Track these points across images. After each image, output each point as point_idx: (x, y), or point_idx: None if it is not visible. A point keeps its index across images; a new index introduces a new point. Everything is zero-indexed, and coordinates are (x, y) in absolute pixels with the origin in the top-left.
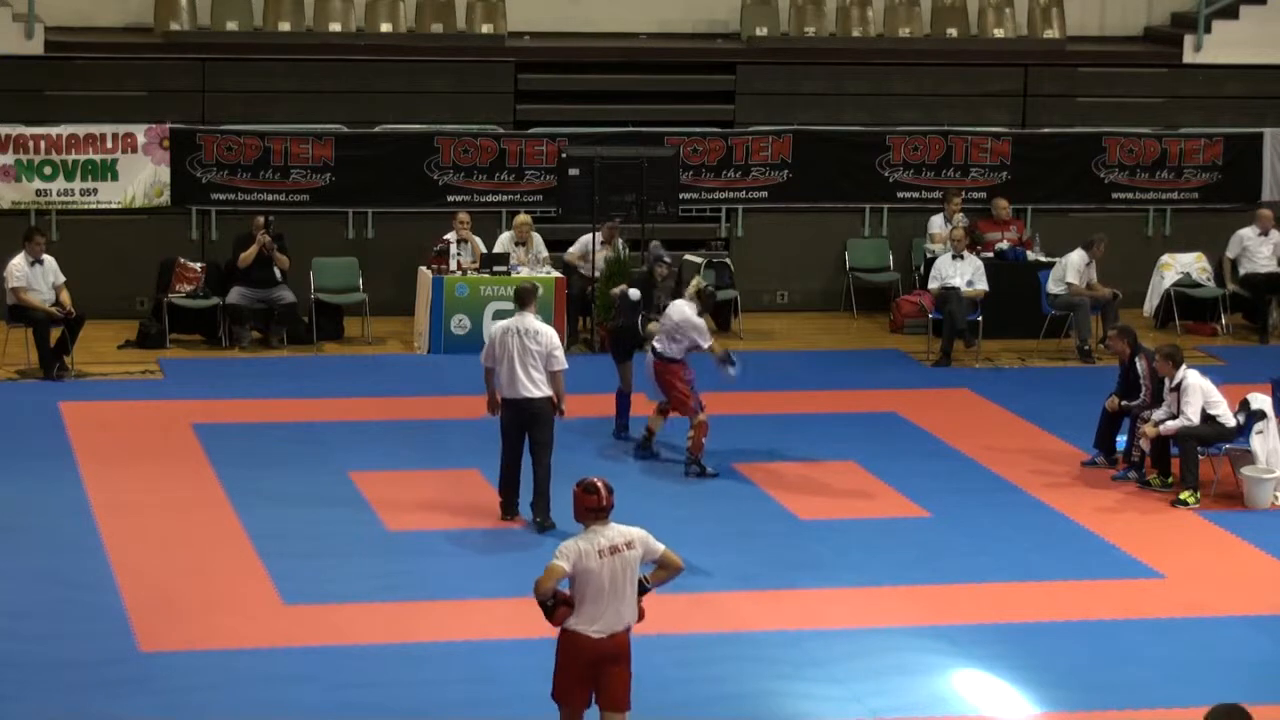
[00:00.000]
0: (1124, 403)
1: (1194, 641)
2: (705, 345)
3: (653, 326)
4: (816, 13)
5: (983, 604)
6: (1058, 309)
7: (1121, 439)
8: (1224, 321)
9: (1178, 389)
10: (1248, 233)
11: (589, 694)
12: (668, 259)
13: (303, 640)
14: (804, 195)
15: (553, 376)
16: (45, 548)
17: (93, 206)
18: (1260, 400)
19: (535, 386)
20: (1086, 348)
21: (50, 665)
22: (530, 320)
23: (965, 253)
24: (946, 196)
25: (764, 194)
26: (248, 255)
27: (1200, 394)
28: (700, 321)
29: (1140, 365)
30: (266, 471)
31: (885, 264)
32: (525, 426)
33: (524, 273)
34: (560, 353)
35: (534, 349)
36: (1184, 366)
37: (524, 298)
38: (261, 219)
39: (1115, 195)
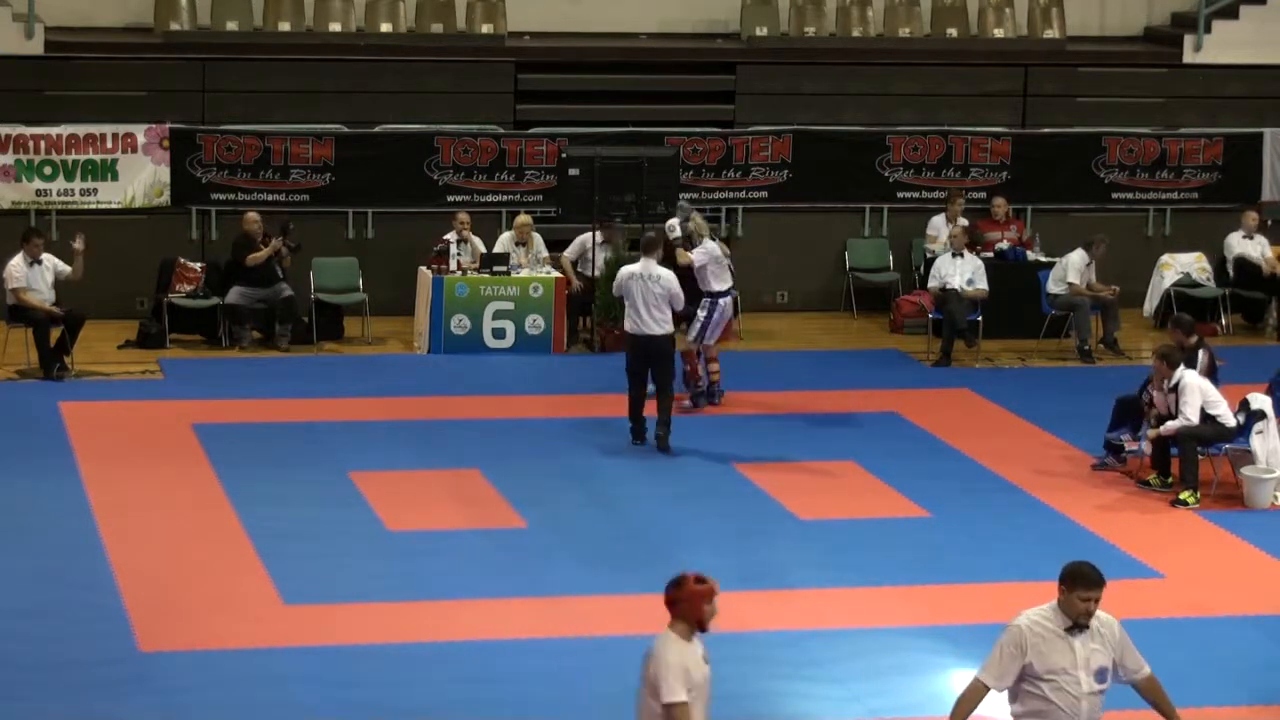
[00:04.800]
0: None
1: (1194, 641)
2: None
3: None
4: (816, 13)
5: (983, 604)
6: (1058, 309)
7: (1138, 447)
8: (1224, 321)
9: (1175, 389)
10: (1234, 237)
11: None
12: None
13: (303, 640)
14: (804, 195)
15: (675, 314)
16: (45, 548)
17: (93, 206)
18: (1260, 400)
19: (658, 325)
20: (1086, 348)
21: (50, 665)
22: (652, 266)
23: (965, 252)
24: (950, 197)
25: (764, 194)
26: (258, 256)
27: (1199, 394)
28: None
29: (1201, 357)
30: (266, 471)
31: (885, 264)
32: (648, 361)
33: (524, 273)
34: (681, 294)
35: (657, 291)
36: (1182, 366)
37: (648, 246)
38: (256, 218)
39: (1115, 195)
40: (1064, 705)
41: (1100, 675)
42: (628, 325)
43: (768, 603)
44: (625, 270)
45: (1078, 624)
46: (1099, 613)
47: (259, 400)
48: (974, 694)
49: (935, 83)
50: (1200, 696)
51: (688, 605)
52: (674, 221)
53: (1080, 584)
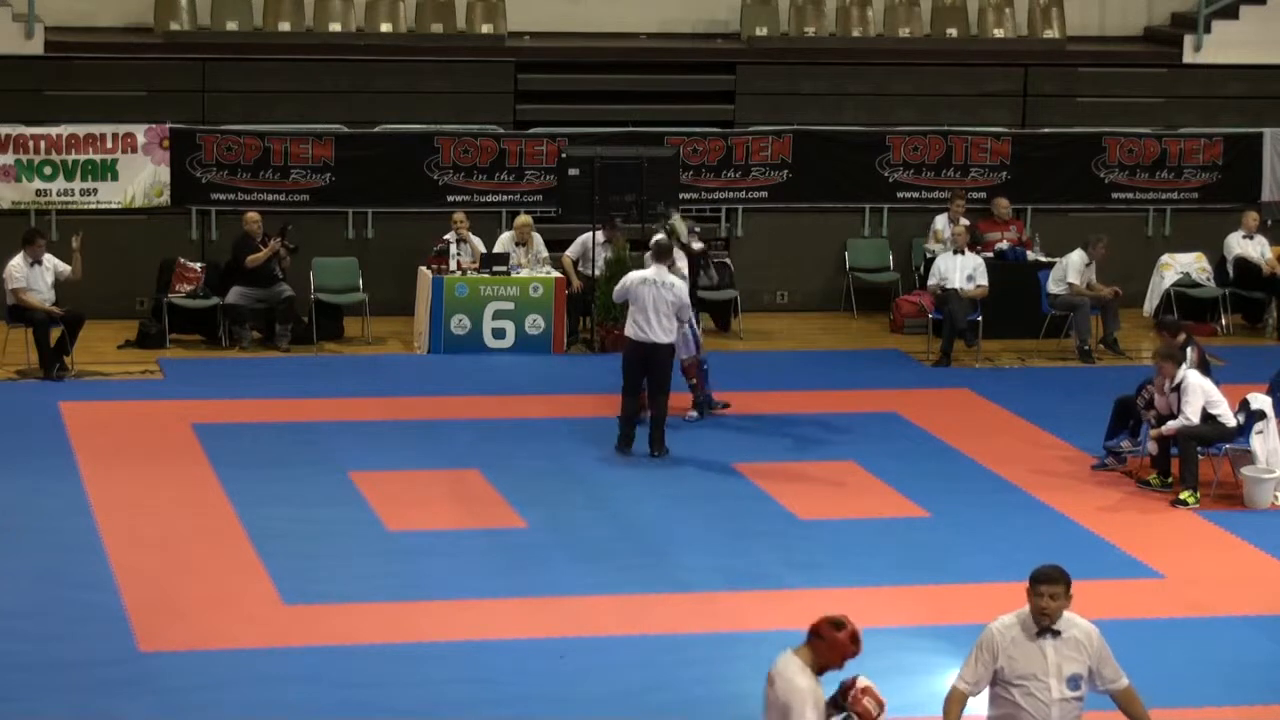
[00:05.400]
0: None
1: (1194, 641)
2: None
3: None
4: (816, 13)
5: (983, 604)
6: (1058, 309)
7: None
8: (1224, 321)
9: (1178, 389)
10: (1234, 237)
11: None
12: (698, 229)
13: (303, 640)
14: (804, 195)
15: (680, 324)
16: (45, 548)
17: (93, 206)
18: (1260, 400)
19: (664, 333)
20: (1086, 348)
21: (50, 665)
22: (664, 273)
23: (965, 250)
24: (952, 197)
25: (764, 194)
26: (258, 258)
27: (1201, 394)
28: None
29: (1191, 354)
30: (266, 471)
31: (885, 264)
32: (647, 367)
33: (524, 274)
34: (689, 304)
35: (669, 299)
36: (1184, 366)
37: (662, 252)
38: (257, 218)
39: (1115, 195)
40: (1033, 711)
41: (1073, 682)
42: (630, 332)
43: (768, 603)
44: (635, 275)
45: (1041, 625)
46: (1078, 620)
47: (259, 400)
48: (957, 699)
49: (935, 83)
50: (1200, 696)
51: (829, 650)
52: (677, 217)
53: (1037, 581)
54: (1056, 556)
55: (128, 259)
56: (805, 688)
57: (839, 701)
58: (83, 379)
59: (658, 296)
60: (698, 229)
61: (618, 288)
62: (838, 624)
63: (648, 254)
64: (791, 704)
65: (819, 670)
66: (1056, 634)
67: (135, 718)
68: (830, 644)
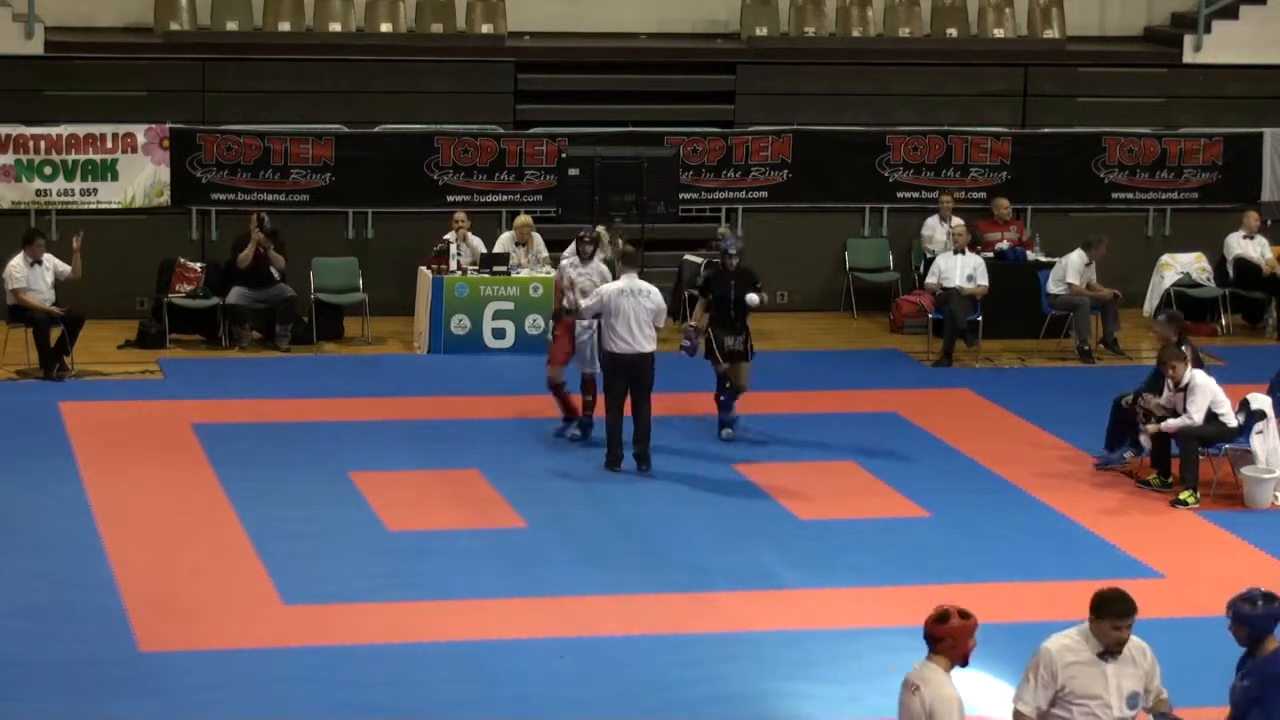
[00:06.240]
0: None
1: (1194, 641)
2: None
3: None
4: (816, 13)
5: (983, 604)
6: (1058, 309)
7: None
8: (1224, 321)
9: (1185, 388)
10: (1234, 237)
11: None
12: (733, 250)
13: (303, 640)
14: (804, 195)
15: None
16: (45, 548)
17: (93, 206)
18: (1260, 400)
19: (647, 341)
20: (1086, 348)
21: (50, 665)
22: (638, 281)
23: (965, 249)
24: (940, 194)
25: (764, 194)
26: (246, 255)
27: (1208, 395)
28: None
29: (1186, 354)
30: (266, 471)
31: (885, 264)
32: (632, 376)
33: (524, 274)
34: (665, 309)
35: (648, 306)
36: (1188, 365)
37: (632, 260)
38: (255, 216)
39: (1115, 195)
40: None
41: (1132, 700)
42: (613, 345)
43: (767, 603)
44: (610, 287)
45: (1109, 650)
46: (1133, 638)
47: (259, 400)
48: None
49: (935, 83)
50: (1200, 696)
51: (954, 640)
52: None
53: (1109, 614)
54: (1057, 557)
55: (128, 259)
56: (952, 696)
57: None
58: (83, 379)
59: (636, 306)
60: (733, 251)
61: (591, 303)
62: (941, 618)
63: (566, 260)
64: (938, 711)
65: (963, 663)
66: (1117, 654)
67: (135, 718)
68: (952, 635)
